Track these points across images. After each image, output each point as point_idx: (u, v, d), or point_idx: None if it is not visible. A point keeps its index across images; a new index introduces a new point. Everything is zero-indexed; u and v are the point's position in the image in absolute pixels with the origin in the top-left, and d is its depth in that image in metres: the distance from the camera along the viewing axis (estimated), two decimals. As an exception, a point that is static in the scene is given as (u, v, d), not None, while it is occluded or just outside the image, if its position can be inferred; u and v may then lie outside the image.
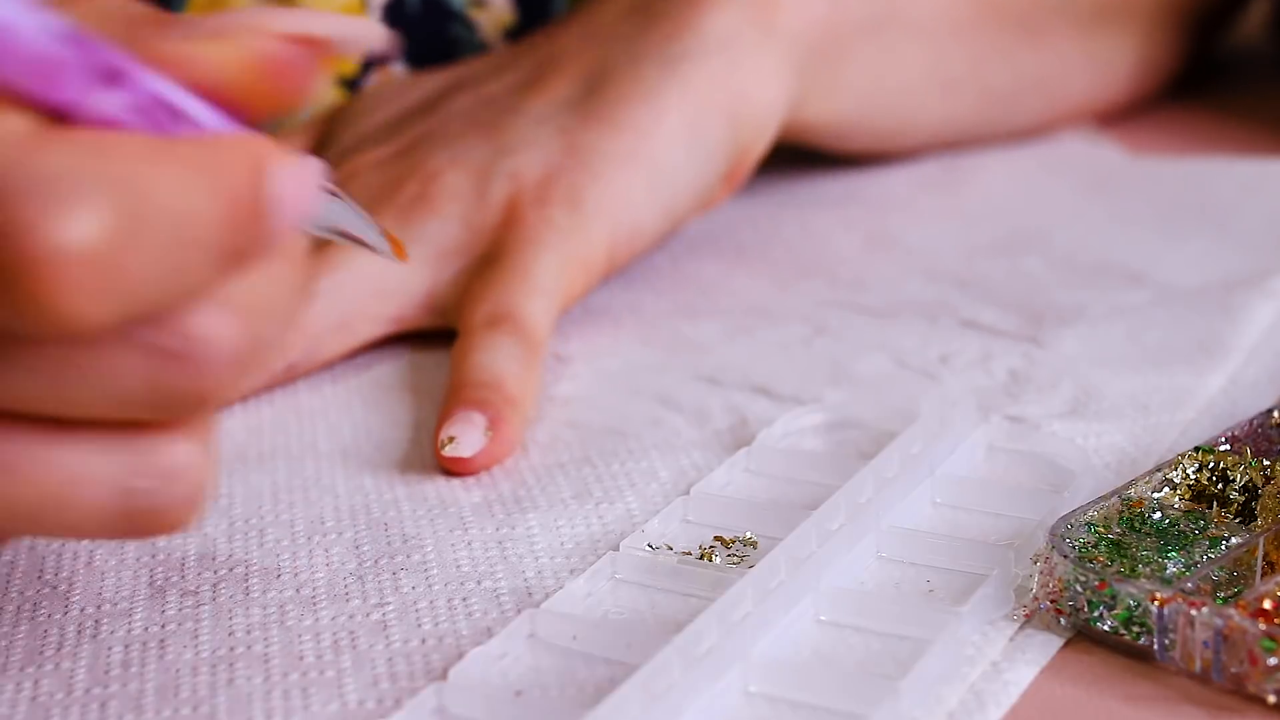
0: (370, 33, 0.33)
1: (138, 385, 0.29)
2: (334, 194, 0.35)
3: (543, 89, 0.54)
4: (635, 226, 0.51)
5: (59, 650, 0.36)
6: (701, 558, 0.38)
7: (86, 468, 0.30)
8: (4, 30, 0.27)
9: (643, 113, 0.52)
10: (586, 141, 0.51)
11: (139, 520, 0.30)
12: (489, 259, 0.49)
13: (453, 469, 0.42)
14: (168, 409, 0.29)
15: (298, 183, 0.30)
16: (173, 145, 0.28)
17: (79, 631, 0.36)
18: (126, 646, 0.36)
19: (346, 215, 0.36)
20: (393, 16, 0.61)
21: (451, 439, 0.42)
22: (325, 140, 0.57)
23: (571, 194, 0.50)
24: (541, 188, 0.50)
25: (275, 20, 0.31)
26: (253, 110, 0.31)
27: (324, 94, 0.60)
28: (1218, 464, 0.39)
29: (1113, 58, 0.69)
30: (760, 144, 0.55)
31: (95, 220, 0.26)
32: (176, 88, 0.29)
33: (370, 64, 0.61)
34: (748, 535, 0.39)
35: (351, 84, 0.61)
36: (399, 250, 0.38)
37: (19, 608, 0.38)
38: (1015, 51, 0.65)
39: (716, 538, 0.39)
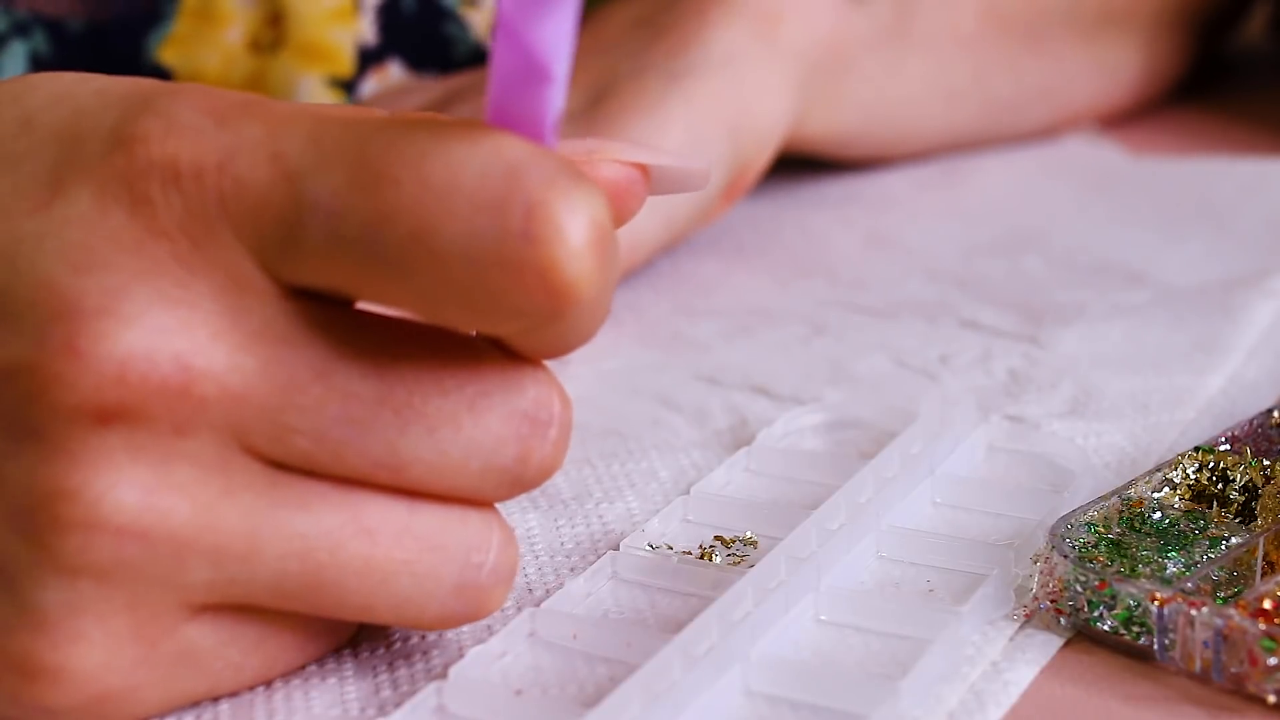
0: (693, 168, 0.35)
1: (506, 455, 0.31)
2: None
3: None
4: (634, 237, 0.51)
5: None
6: (701, 558, 0.38)
7: (442, 536, 0.32)
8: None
9: (645, 126, 0.52)
10: None
11: (468, 598, 0.32)
12: None
13: None
14: (523, 478, 0.32)
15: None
16: None
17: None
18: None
19: None
20: (388, 16, 0.61)
21: None
22: None
23: None
24: None
25: (619, 149, 0.33)
26: None
27: (318, 96, 0.60)
28: (1218, 464, 0.39)
29: (1117, 64, 0.69)
30: (761, 159, 0.55)
31: (599, 205, 0.29)
32: None
33: (367, 65, 0.61)
34: (748, 535, 0.39)
35: (348, 86, 0.61)
36: None
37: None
38: (1020, 61, 0.65)
39: (716, 538, 0.39)
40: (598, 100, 0.53)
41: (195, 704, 0.33)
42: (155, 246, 0.30)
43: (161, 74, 0.59)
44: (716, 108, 0.53)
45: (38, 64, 0.56)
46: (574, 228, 0.29)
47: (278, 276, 0.30)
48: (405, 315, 0.31)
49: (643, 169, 0.33)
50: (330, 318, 0.31)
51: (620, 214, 0.33)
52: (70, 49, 0.56)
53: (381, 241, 0.29)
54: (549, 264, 0.29)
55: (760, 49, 0.55)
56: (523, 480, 0.32)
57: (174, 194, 0.30)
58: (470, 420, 0.31)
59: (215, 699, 0.33)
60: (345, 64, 0.61)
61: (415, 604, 0.32)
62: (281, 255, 0.30)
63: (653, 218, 0.51)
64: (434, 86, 0.59)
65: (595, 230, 0.29)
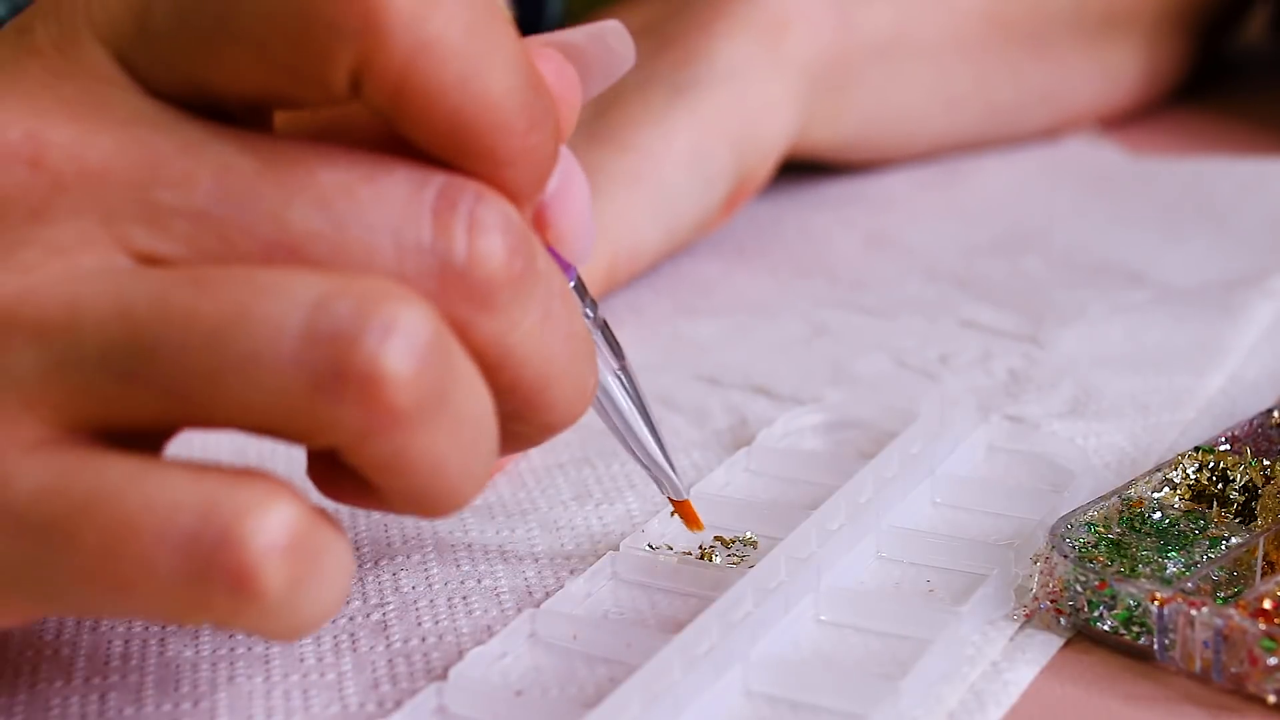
0: (615, 36, 0.34)
1: (422, 226, 0.28)
2: (626, 375, 0.36)
3: None
4: (636, 246, 0.52)
5: (58, 637, 0.36)
6: (701, 558, 0.38)
7: (264, 303, 0.27)
8: None
9: (650, 136, 0.52)
10: (593, 161, 0.52)
11: (326, 346, 0.27)
12: None
13: None
14: (452, 261, 0.28)
15: (578, 179, 0.32)
16: None
17: (78, 622, 0.36)
18: (126, 641, 0.36)
19: (631, 410, 0.36)
20: None
21: None
22: None
23: None
24: None
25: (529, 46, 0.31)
26: None
27: None
28: (1218, 464, 0.39)
29: (1119, 67, 0.69)
30: (762, 171, 0.55)
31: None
32: None
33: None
34: (748, 535, 0.39)
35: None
36: (690, 516, 0.38)
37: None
38: (1022, 66, 0.65)
39: (716, 538, 0.39)
40: (602, 111, 0.53)
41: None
42: (29, 62, 0.30)
43: None
44: (721, 120, 0.53)
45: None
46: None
47: (138, 73, 0.29)
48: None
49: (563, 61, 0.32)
50: (201, 116, 0.29)
51: (562, 115, 0.31)
52: None
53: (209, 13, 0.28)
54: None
55: (765, 62, 0.55)
56: (454, 265, 0.29)
57: (52, 22, 0.30)
58: (369, 191, 0.28)
59: (214, 691, 0.33)
60: None
61: (257, 357, 0.27)
62: (136, 45, 0.29)
63: (654, 227, 0.52)
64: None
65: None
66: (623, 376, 0.36)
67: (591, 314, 0.35)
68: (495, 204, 0.29)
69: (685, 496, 0.37)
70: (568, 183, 0.32)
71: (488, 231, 0.29)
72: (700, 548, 0.38)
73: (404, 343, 0.27)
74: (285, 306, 0.27)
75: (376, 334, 0.27)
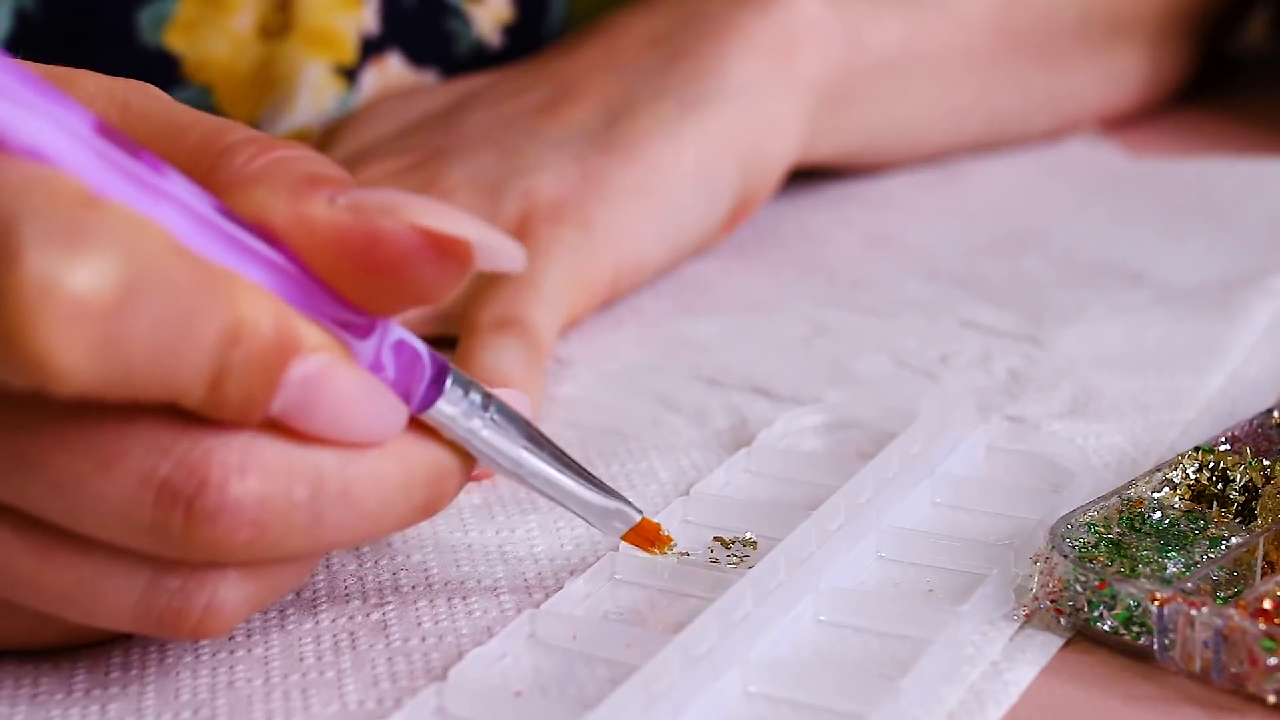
0: (505, 248, 0.31)
1: (142, 518, 0.30)
2: (535, 441, 0.34)
3: (561, 115, 0.54)
4: (641, 258, 0.52)
5: (58, 647, 0.36)
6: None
7: (102, 581, 0.31)
8: None
9: (659, 150, 0.53)
10: (602, 170, 0.52)
11: (165, 625, 0.31)
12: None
13: None
14: (177, 550, 0.30)
15: (334, 384, 0.31)
16: (210, 263, 0.29)
17: (79, 631, 0.36)
18: (126, 649, 0.36)
19: (541, 466, 0.35)
20: (389, 11, 0.61)
21: None
22: (327, 145, 0.57)
23: (583, 217, 0.50)
24: (554, 207, 0.50)
25: (419, 210, 0.30)
26: (356, 294, 0.31)
27: (323, 83, 0.60)
28: (1218, 464, 0.39)
29: (1124, 71, 0.69)
30: (767, 189, 0.56)
31: (97, 274, 0.27)
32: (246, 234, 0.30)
33: (368, 54, 0.61)
34: (747, 536, 0.39)
35: (350, 74, 0.61)
36: (650, 536, 0.37)
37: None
38: (1027, 75, 0.65)
39: (716, 538, 0.39)
40: (612, 120, 0.54)
41: None
42: None
43: (168, 58, 0.59)
44: (729, 136, 0.54)
45: (24, 21, 0.56)
46: (58, 283, 0.27)
47: None
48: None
49: (437, 240, 0.30)
50: None
51: (413, 286, 0.31)
52: (58, 10, 0.56)
53: None
54: (16, 305, 0.27)
55: (775, 80, 0.55)
56: (176, 546, 0.30)
57: None
58: (101, 479, 0.30)
59: (214, 698, 0.33)
60: (349, 51, 0.61)
61: (109, 625, 0.32)
62: None
63: (658, 240, 0.52)
64: (438, 91, 0.59)
65: (85, 295, 0.27)
66: (530, 447, 0.34)
67: (477, 415, 0.33)
68: (216, 489, 0.30)
69: (640, 516, 0.37)
70: (322, 384, 0.31)
71: (203, 520, 0.30)
72: (701, 548, 0.38)
73: (218, 620, 0.31)
74: (117, 600, 0.31)
75: (191, 622, 0.31)
